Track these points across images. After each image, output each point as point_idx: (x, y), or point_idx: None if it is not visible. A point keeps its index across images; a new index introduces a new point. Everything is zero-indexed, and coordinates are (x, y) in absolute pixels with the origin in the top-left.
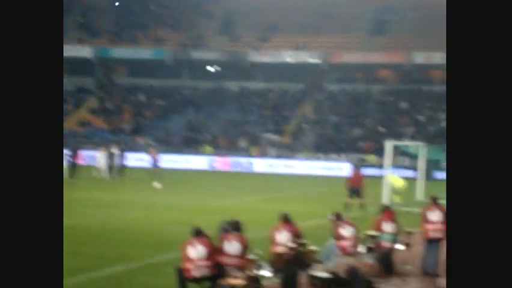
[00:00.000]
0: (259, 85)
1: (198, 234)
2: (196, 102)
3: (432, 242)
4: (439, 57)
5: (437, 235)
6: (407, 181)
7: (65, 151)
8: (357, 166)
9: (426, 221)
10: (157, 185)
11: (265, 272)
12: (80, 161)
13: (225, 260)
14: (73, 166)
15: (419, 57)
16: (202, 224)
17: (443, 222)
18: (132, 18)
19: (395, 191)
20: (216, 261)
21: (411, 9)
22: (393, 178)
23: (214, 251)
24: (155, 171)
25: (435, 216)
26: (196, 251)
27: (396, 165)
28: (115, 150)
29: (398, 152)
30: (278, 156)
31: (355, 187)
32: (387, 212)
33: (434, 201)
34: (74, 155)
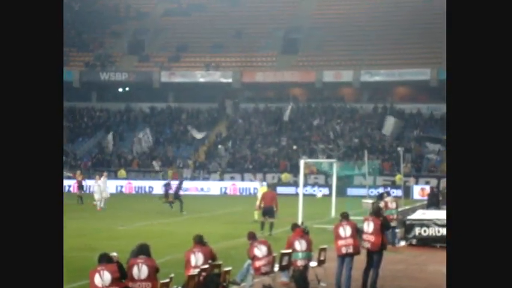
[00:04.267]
0: (171, 105)
1: (104, 260)
2: (106, 125)
3: (344, 258)
4: (347, 75)
5: (349, 251)
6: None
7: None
8: (269, 185)
9: (338, 237)
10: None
11: None
12: None
13: (134, 285)
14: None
15: (329, 76)
16: (112, 249)
17: (355, 237)
18: None
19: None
20: (123, 287)
21: (317, 28)
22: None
23: (122, 277)
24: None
25: (347, 232)
26: (101, 278)
27: (311, 183)
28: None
29: (315, 169)
30: (193, 178)
31: (268, 206)
32: (298, 230)
33: (345, 218)
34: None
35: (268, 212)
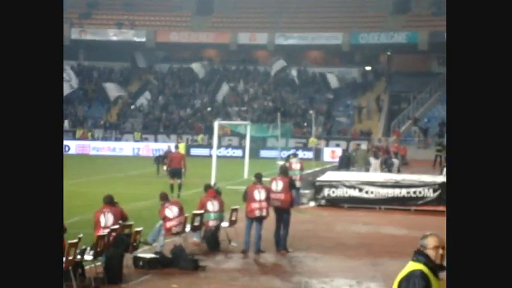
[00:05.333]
0: (82, 63)
1: None
2: None
3: (256, 220)
4: (262, 38)
5: (263, 214)
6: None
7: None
8: (177, 146)
9: (252, 199)
10: None
11: (88, 256)
12: None
13: None
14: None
15: (243, 38)
16: None
17: (268, 202)
18: None
19: None
20: None
21: None
22: None
23: None
24: None
25: (261, 195)
26: None
27: (225, 145)
28: None
29: (229, 131)
30: (104, 138)
31: (176, 167)
32: (211, 191)
33: (258, 180)
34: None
35: (176, 173)
